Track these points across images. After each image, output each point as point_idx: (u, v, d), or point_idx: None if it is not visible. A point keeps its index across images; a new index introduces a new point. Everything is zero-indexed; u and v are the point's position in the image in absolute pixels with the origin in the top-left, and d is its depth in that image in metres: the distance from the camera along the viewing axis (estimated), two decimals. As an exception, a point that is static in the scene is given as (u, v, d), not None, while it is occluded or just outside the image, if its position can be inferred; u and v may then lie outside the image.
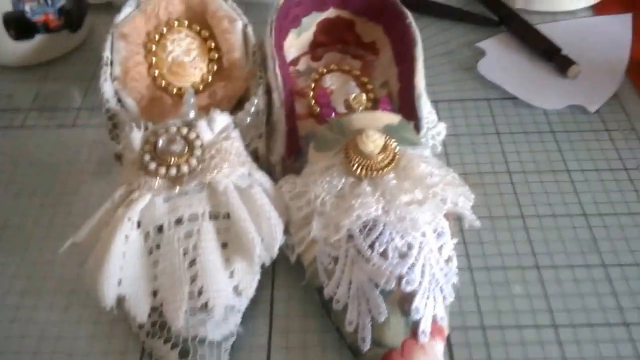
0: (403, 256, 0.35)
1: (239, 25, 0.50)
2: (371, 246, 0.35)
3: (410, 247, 0.36)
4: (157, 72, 0.50)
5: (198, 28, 0.51)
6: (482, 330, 0.39)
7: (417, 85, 0.46)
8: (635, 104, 0.54)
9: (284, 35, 0.52)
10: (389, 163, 0.37)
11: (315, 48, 0.56)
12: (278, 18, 0.50)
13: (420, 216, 0.35)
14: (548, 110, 0.54)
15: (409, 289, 0.35)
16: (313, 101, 0.50)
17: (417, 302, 0.35)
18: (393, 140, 0.38)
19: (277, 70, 0.46)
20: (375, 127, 0.38)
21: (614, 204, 0.46)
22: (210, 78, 0.51)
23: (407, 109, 0.47)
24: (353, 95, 0.44)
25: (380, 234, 0.35)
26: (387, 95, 0.51)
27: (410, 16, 0.49)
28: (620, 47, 0.60)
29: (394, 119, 0.41)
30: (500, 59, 0.58)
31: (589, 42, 0.60)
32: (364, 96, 0.44)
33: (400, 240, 0.35)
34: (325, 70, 0.53)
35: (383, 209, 0.35)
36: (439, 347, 0.36)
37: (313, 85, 0.52)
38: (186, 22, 0.52)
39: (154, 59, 0.50)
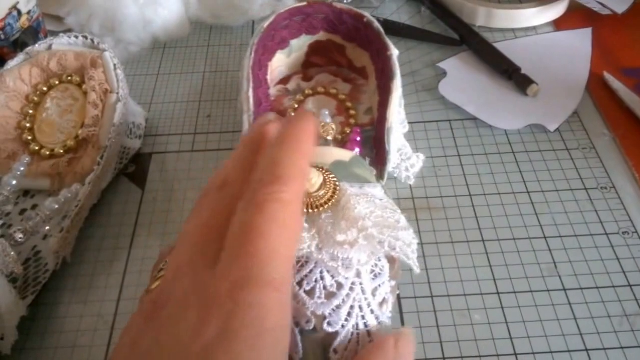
0: (330, 296, 0.34)
1: (113, 97, 0.48)
2: (300, 283, 0.34)
3: (340, 287, 0.34)
4: (28, 125, 0.48)
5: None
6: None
7: (388, 118, 0.46)
8: (595, 121, 0.54)
9: (270, 56, 0.52)
10: (330, 199, 0.36)
11: (308, 68, 0.56)
12: (262, 39, 0.49)
13: (354, 256, 0.34)
14: (509, 130, 0.53)
15: (330, 330, 0.33)
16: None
17: (336, 345, 0.33)
18: (332, 176, 0.37)
19: (250, 93, 0.46)
20: (324, 163, 0.38)
21: (574, 225, 0.46)
22: (74, 144, 0.48)
23: (379, 139, 0.47)
24: (322, 124, 0.44)
25: (311, 271, 0.34)
26: (369, 122, 0.51)
27: (392, 49, 0.49)
28: (581, 62, 0.60)
29: (346, 155, 0.40)
30: (460, 80, 0.58)
31: (550, 59, 0.60)
32: (333, 126, 0.44)
33: (331, 280, 0.34)
34: (311, 92, 0.53)
35: (317, 247, 0.34)
36: None
37: (296, 106, 0.52)
38: (78, 80, 0.49)
39: (30, 112, 0.49)
